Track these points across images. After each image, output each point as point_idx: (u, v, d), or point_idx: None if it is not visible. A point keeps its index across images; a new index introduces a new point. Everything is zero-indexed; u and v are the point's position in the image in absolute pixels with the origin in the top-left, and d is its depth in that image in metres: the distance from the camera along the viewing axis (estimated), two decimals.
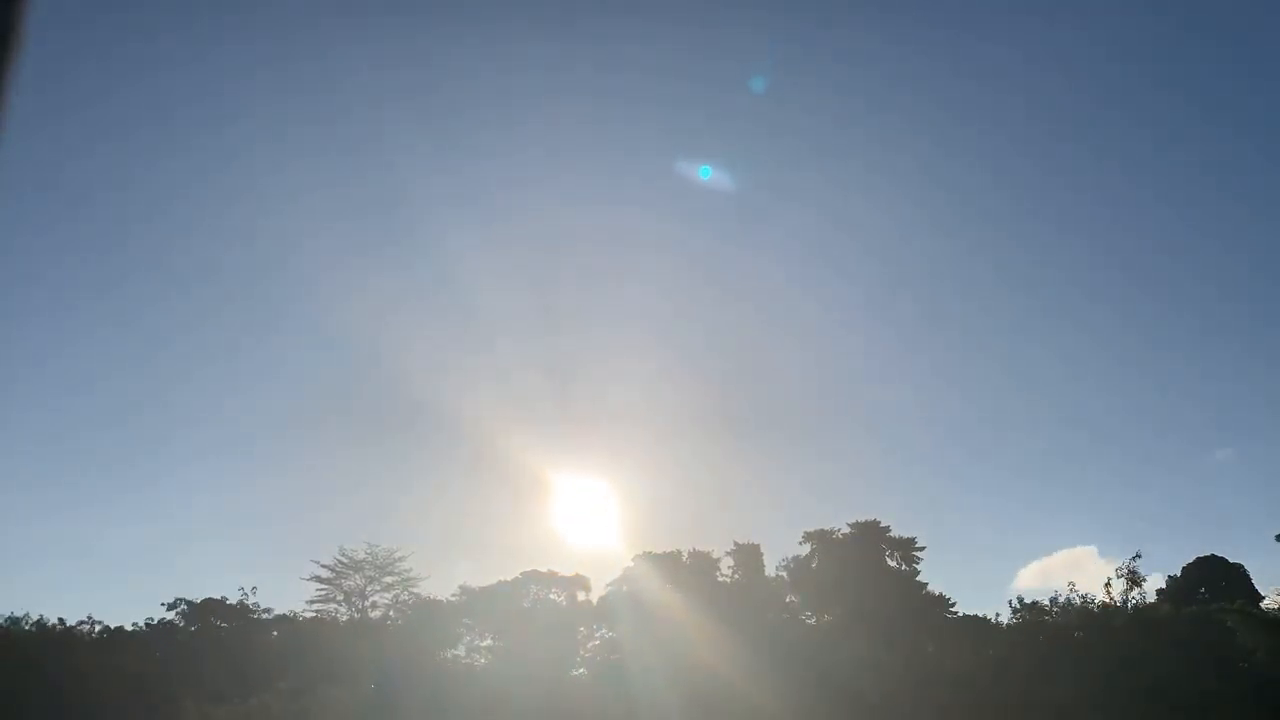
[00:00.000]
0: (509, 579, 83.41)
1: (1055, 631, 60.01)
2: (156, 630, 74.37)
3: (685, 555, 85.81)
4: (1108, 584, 62.10)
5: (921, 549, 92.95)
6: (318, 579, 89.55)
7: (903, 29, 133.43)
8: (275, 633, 78.38)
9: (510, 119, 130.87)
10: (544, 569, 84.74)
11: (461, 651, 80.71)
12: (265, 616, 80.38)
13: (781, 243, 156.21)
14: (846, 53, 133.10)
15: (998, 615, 74.80)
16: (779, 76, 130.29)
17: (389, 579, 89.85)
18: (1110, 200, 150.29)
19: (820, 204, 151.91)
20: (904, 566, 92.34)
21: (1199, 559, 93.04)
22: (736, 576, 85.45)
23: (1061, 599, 66.33)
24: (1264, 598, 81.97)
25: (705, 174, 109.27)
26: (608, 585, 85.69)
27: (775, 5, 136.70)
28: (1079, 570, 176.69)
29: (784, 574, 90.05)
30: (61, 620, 61.20)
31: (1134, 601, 62.02)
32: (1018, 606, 70.34)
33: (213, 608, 79.36)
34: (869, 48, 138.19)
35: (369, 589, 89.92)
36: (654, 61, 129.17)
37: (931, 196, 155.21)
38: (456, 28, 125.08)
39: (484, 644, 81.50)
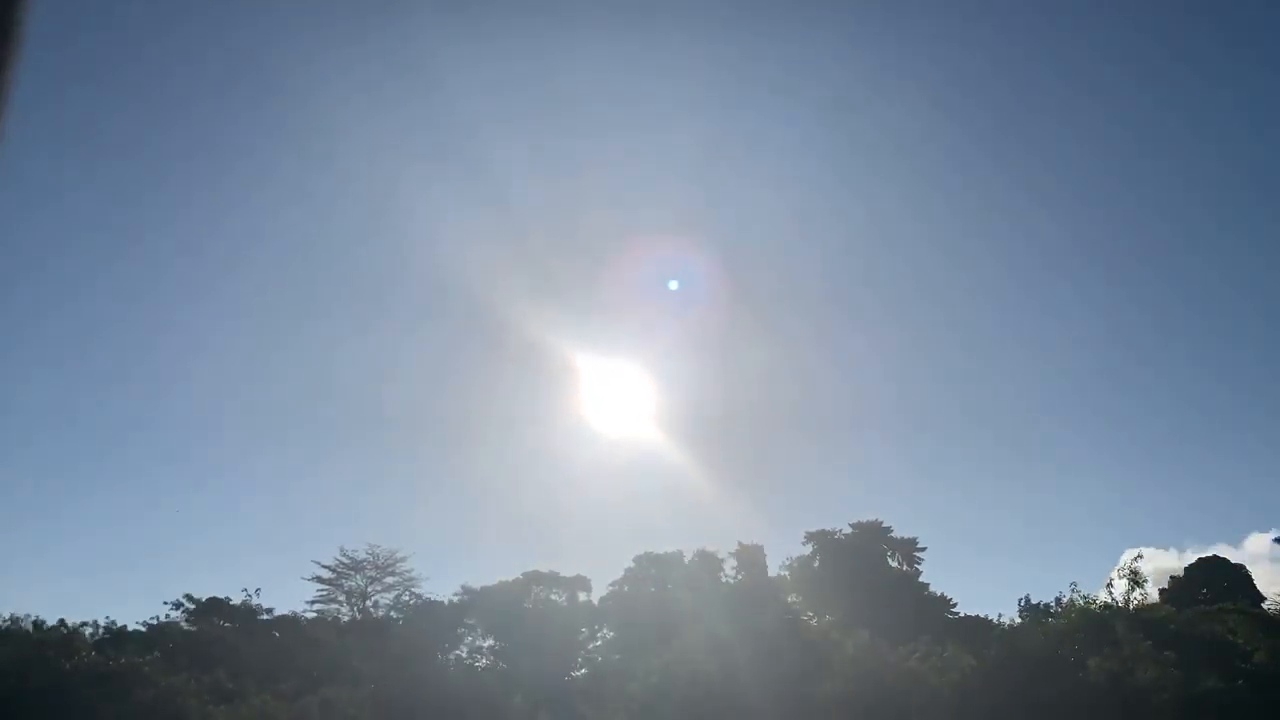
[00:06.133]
0: (510, 579, 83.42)
1: (1056, 631, 59.87)
2: (157, 630, 74.29)
3: (687, 555, 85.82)
4: (1109, 584, 61.98)
5: (923, 549, 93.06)
6: (319, 579, 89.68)
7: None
8: (277, 633, 78.34)
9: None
10: (545, 569, 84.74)
11: (463, 652, 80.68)
12: (267, 617, 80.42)
13: (782, 243, 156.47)
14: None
15: (1000, 615, 74.83)
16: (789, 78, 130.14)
17: (390, 579, 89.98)
18: (1111, 193, 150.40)
19: (824, 200, 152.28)
20: (906, 567, 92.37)
21: (1201, 559, 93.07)
22: (739, 577, 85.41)
23: (1064, 599, 66.47)
24: (1265, 598, 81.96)
25: (673, 285, 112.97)
26: (609, 585, 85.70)
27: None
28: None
29: (786, 574, 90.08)
30: (62, 620, 61.12)
31: (1135, 602, 61.85)
32: (1023, 606, 70.32)
33: (215, 608, 79.32)
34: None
35: (370, 589, 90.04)
36: None
37: (932, 193, 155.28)
38: None
39: (485, 644, 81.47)
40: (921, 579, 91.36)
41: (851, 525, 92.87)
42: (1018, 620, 68.74)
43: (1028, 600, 71.08)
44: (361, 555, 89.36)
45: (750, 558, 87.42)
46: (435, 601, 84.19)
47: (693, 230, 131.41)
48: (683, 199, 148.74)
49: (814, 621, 76.47)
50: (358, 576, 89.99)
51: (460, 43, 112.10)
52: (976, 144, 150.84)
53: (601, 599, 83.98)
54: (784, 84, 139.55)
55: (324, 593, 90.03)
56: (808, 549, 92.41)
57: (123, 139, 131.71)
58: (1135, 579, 61.87)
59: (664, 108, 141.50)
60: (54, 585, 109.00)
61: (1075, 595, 63.31)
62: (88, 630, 63.55)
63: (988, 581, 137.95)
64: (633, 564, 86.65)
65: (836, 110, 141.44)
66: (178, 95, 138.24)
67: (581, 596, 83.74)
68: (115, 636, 68.48)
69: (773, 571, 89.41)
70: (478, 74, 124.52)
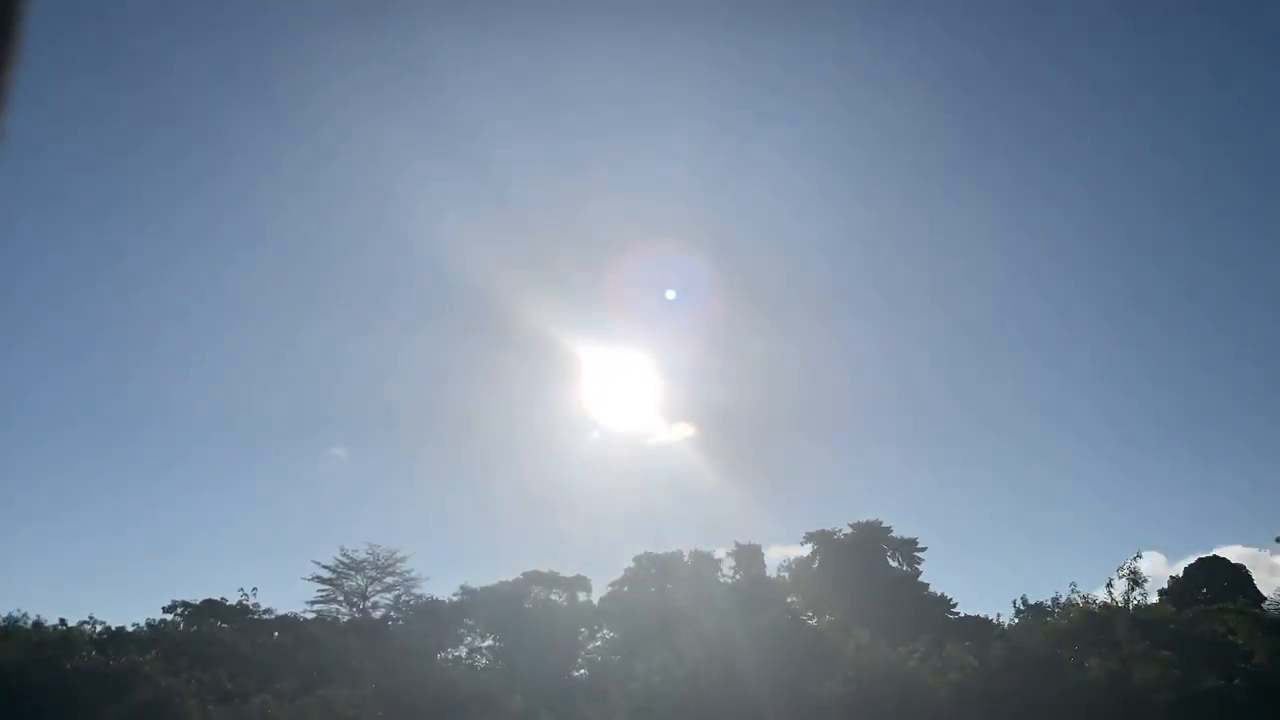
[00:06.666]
0: (510, 579, 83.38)
1: (1056, 631, 59.83)
2: (156, 630, 74.23)
3: (686, 555, 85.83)
4: (1109, 584, 61.89)
5: (923, 549, 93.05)
6: (319, 579, 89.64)
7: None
8: (277, 633, 78.35)
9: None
10: (545, 569, 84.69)
11: (462, 652, 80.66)
12: (265, 617, 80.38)
13: (784, 243, 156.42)
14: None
15: (999, 615, 74.74)
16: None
17: (390, 579, 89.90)
18: (1115, 191, 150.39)
19: (824, 198, 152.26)
20: (905, 567, 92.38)
21: (1201, 559, 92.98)
22: (738, 577, 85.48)
23: (1063, 599, 66.39)
24: (1265, 599, 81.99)
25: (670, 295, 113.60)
26: (609, 585, 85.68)
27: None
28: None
29: (785, 574, 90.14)
30: (62, 620, 61.05)
31: (1135, 602, 61.78)
32: (1020, 607, 70.25)
33: (213, 608, 79.24)
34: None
35: (370, 589, 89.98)
36: None
37: (933, 191, 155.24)
38: None
39: (485, 644, 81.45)
40: (921, 579, 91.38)
41: (851, 525, 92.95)
42: (1016, 620, 68.75)
43: (1024, 600, 71.10)
44: (361, 555, 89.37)
45: (749, 558, 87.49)
46: (435, 601, 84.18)
47: (694, 229, 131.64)
48: (685, 198, 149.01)
49: (813, 622, 76.55)
50: (357, 576, 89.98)
51: (462, 41, 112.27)
52: (978, 143, 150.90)
53: (601, 599, 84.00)
54: (784, 84, 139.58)
55: (324, 593, 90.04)
56: (807, 549, 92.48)
57: (124, 136, 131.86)
58: (1135, 579, 61.79)
59: (664, 107, 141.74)
60: (54, 585, 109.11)
61: (1075, 595, 63.30)
62: (87, 629, 63.44)
63: (988, 582, 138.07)
64: (633, 564, 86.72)
65: (837, 109, 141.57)
66: (180, 93, 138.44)
67: (581, 596, 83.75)
68: (115, 636, 68.40)
69: (771, 571, 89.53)
70: (479, 73, 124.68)
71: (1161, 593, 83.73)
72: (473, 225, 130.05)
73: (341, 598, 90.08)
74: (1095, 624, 58.61)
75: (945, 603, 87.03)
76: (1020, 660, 56.00)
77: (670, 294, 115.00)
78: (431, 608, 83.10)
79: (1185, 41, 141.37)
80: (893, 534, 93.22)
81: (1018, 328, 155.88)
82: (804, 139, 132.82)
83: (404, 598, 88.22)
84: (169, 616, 78.32)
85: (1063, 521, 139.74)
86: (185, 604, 79.24)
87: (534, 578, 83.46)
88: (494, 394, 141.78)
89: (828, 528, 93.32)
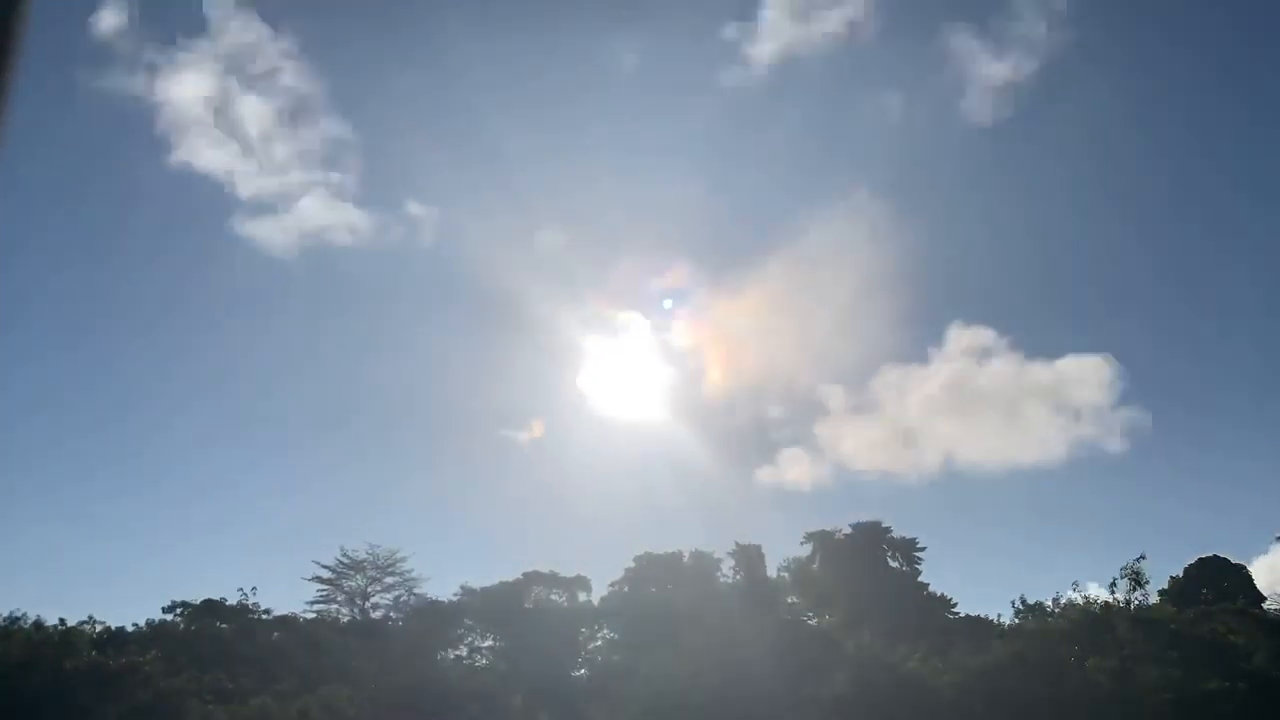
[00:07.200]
0: (510, 579, 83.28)
1: (1056, 632, 59.87)
2: (156, 630, 74.21)
3: (686, 556, 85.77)
4: (1111, 584, 61.92)
5: (922, 550, 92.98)
6: (319, 579, 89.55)
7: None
8: (276, 634, 78.30)
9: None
10: (545, 569, 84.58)
11: (462, 652, 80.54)
12: (265, 617, 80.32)
13: (784, 236, 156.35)
14: None
15: (999, 615, 74.71)
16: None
17: (390, 579, 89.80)
18: (1119, 188, 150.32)
19: (825, 190, 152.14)
20: (905, 567, 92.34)
21: (1201, 559, 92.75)
22: (738, 577, 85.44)
23: (1063, 599, 66.40)
24: (1266, 599, 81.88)
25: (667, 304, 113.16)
26: (609, 585, 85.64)
27: None
28: None
29: (785, 574, 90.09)
30: (62, 620, 61.00)
31: (1136, 602, 61.79)
32: (1020, 607, 70.27)
33: (213, 608, 79.22)
34: None
35: (370, 589, 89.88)
36: None
37: (932, 190, 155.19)
38: None
39: (485, 644, 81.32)
40: (921, 579, 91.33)
41: (851, 525, 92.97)
42: (1015, 620, 68.76)
43: (1023, 600, 71.10)
44: (361, 555, 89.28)
45: (749, 558, 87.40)
46: (435, 601, 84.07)
47: (696, 227, 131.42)
48: (687, 196, 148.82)
49: (814, 622, 76.52)
50: (358, 576, 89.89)
51: (475, 40, 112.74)
52: (976, 142, 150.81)
53: (602, 599, 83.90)
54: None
55: (324, 593, 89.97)
56: (807, 549, 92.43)
57: (128, 135, 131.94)
58: (1136, 579, 61.81)
59: (666, 103, 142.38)
60: (54, 585, 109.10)
61: (1075, 595, 63.35)
62: (87, 629, 63.42)
63: (988, 582, 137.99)
64: (633, 564, 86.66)
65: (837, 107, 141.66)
66: (186, 91, 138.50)
67: (581, 596, 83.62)
68: (115, 636, 68.39)
69: (771, 572, 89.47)
70: (492, 70, 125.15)
71: (1161, 593, 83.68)
72: (473, 225, 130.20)
73: (341, 598, 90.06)
74: (1095, 624, 58.65)
75: (945, 603, 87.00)
76: (1020, 660, 56.03)
77: (668, 302, 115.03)
78: (431, 608, 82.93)
79: (1187, 40, 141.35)
80: (892, 534, 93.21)
81: (1016, 325, 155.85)
82: (804, 135, 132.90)
83: (404, 598, 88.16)
84: (169, 616, 78.31)
85: (1063, 521, 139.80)
86: (185, 604, 79.18)
87: (534, 578, 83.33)
88: (494, 393, 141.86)
89: (827, 527, 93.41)
